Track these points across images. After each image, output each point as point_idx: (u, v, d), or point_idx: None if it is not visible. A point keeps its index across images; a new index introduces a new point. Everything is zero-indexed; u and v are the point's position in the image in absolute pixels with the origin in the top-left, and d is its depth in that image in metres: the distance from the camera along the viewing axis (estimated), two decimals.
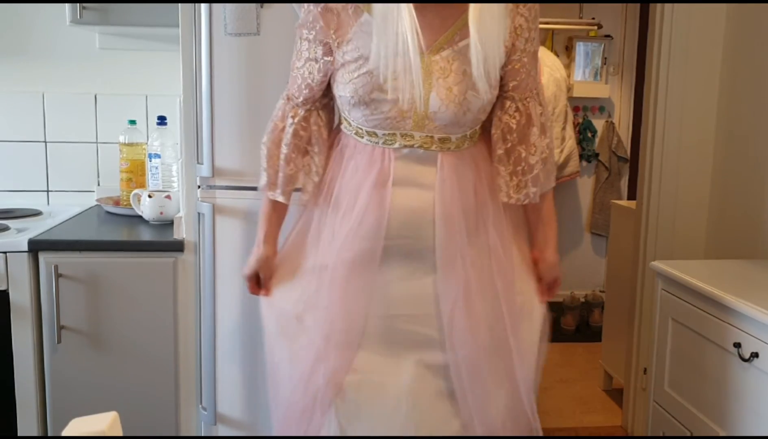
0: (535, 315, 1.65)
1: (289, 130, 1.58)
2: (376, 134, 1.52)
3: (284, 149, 1.58)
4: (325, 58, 1.51)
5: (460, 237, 1.53)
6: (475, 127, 1.56)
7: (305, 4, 1.51)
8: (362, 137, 1.54)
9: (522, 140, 1.59)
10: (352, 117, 1.54)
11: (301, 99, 1.57)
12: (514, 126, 1.58)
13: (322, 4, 1.48)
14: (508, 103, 1.58)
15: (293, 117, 1.58)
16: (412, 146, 1.51)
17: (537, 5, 1.53)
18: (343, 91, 1.50)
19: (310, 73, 1.54)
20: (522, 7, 1.50)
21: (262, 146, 1.61)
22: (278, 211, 1.64)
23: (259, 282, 1.66)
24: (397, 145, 1.51)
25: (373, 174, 1.53)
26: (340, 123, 1.62)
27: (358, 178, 1.54)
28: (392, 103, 1.46)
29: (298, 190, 1.62)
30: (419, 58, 1.43)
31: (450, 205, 1.52)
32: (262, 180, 1.61)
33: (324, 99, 1.60)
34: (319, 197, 1.61)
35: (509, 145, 1.59)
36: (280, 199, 1.60)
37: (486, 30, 1.43)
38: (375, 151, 1.53)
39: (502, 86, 1.56)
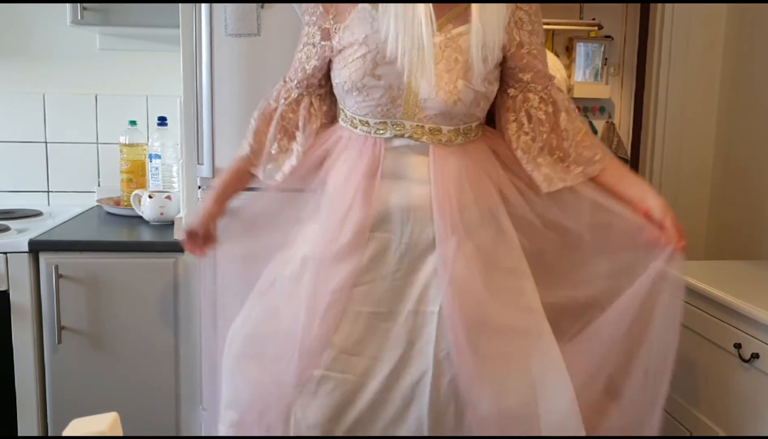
0: (544, 338, 1.57)
1: (279, 110, 1.60)
2: (368, 123, 1.53)
3: (272, 128, 1.61)
4: (323, 43, 1.54)
5: (457, 234, 1.51)
6: (469, 122, 1.53)
7: None
8: (356, 128, 1.55)
9: (553, 129, 1.58)
10: (347, 106, 1.55)
11: (295, 82, 1.59)
12: (544, 117, 1.57)
13: None
14: (531, 95, 1.57)
15: (285, 98, 1.60)
16: (402, 136, 1.51)
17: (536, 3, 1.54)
18: (338, 77, 1.52)
19: (307, 57, 1.57)
20: (522, 5, 1.52)
21: (251, 120, 1.63)
22: (243, 181, 1.66)
23: (198, 241, 1.64)
24: (387, 134, 1.52)
25: (363, 164, 1.53)
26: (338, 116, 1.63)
27: (347, 168, 1.55)
28: (383, 89, 1.48)
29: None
30: (430, 39, 1.44)
31: (445, 203, 1.50)
32: (243, 151, 1.63)
33: (320, 89, 1.61)
34: (304, 183, 1.61)
35: (545, 136, 1.58)
36: (259, 175, 1.63)
37: (486, 15, 1.45)
38: (367, 141, 1.54)
39: (520, 81, 1.56)
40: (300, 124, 1.62)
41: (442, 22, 1.48)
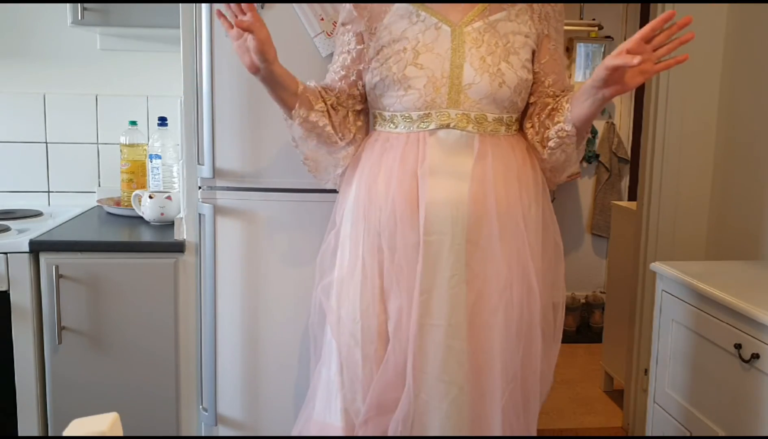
0: (557, 343, 1.65)
1: (313, 90, 1.60)
2: (411, 118, 1.53)
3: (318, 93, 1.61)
4: (358, 47, 1.59)
5: (496, 236, 1.50)
6: (512, 112, 1.55)
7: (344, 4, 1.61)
8: (397, 126, 1.55)
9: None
10: (386, 105, 1.56)
11: (329, 84, 1.63)
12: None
13: None
14: (557, 99, 1.57)
15: (321, 92, 1.61)
16: (447, 126, 1.50)
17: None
18: (377, 75, 1.54)
19: (342, 64, 1.62)
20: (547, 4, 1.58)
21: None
22: (290, 84, 1.53)
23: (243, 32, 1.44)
24: (432, 125, 1.51)
25: (408, 162, 1.51)
26: (373, 129, 1.65)
27: (392, 168, 1.53)
28: (426, 78, 1.49)
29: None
30: (449, 27, 1.50)
31: (483, 202, 1.49)
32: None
33: (357, 103, 1.65)
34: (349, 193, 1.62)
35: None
36: (294, 105, 1.55)
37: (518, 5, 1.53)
38: (410, 138, 1.52)
39: (542, 84, 1.58)
40: (335, 125, 1.62)
41: (480, 8, 1.52)
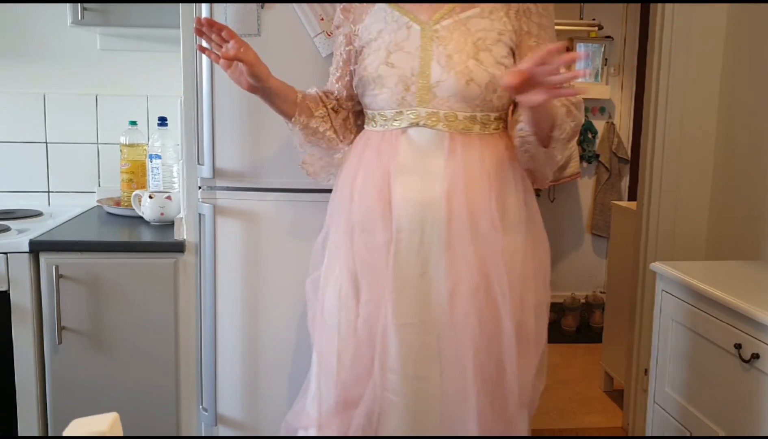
0: (539, 346, 1.59)
1: (310, 95, 1.67)
2: (385, 116, 1.54)
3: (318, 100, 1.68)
4: (347, 48, 1.63)
5: (467, 236, 1.48)
6: (487, 111, 1.51)
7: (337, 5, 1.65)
8: (377, 124, 1.57)
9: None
10: (367, 104, 1.59)
11: (329, 87, 1.70)
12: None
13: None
14: None
15: (320, 96, 1.68)
16: (417, 124, 1.50)
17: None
18: (357, 75, 1.58)
19: (336, 66, 1.68)
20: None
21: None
22: (287, 96, 1.61)
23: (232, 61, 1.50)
24: (404, 124, 1.52)
25: (382, 160, 1.53)
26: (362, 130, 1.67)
27: (367, 168, 1.56)
28: (397, 77, 1.50)
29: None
30: (418, 26, 1.50)
31: (452, 202, 1.48)
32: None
33: (357, 104, 1.69)
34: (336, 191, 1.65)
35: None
36: (293, 112, 1.62)
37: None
38: (384, 136, 1.54)
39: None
40: (336, 128, 1.67)
41: (450, 6, 1.51)
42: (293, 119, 1.62)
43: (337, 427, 1.56)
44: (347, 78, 1.66)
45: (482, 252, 1.49)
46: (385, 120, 1.55)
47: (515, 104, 1.59)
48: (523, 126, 1.49)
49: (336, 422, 1.57)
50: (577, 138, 4.17)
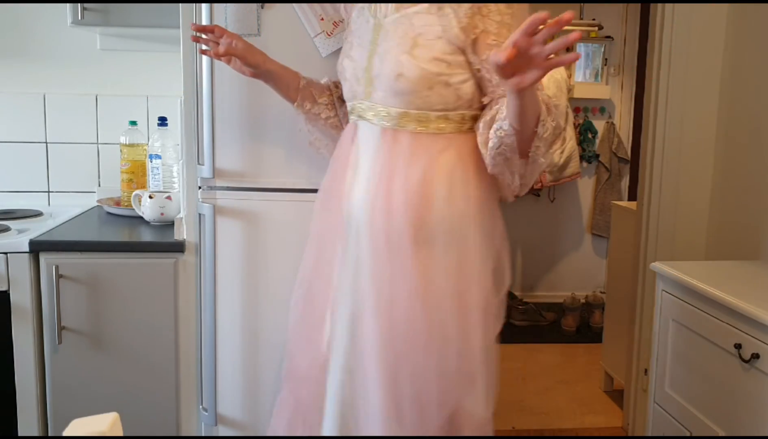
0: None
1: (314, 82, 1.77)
2: (346, 109, 1.62)
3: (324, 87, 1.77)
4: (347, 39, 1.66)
5: (374, 242, 1.48)
6: (425, 109, 1.44)
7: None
8: (350, 118, 1.62)
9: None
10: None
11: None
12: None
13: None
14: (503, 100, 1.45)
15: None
16: (360, 117, 1.54)
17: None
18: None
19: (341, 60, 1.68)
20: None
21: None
22: (290, 81, 1.72)
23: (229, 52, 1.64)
24: (353, 117, 1.57)
25: (342, 152, 1.59)
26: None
27: (335, 157, 1.64)
28: (352, 69, 1.55)
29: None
30: (372, 20, 1.52)
31: (376, 202, 1.47)
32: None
33: None
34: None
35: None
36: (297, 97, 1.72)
37: None
38: (348, 129, 1.60)
39: (490, 82, 1.44)
40: (340, 115, 1.75)
41: (395, 6, 1.49)
42: (296, 104, 1.72)
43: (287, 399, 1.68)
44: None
45: (388, 263, 1.46)
46: (349, 112, 1.60)
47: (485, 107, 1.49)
48: (502, 124, 1.38)
49: (285, 396, 1.69)
50: (576, 138, 4.17)
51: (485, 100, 1.47)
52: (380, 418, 1.48)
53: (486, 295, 1.50)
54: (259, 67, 1.66)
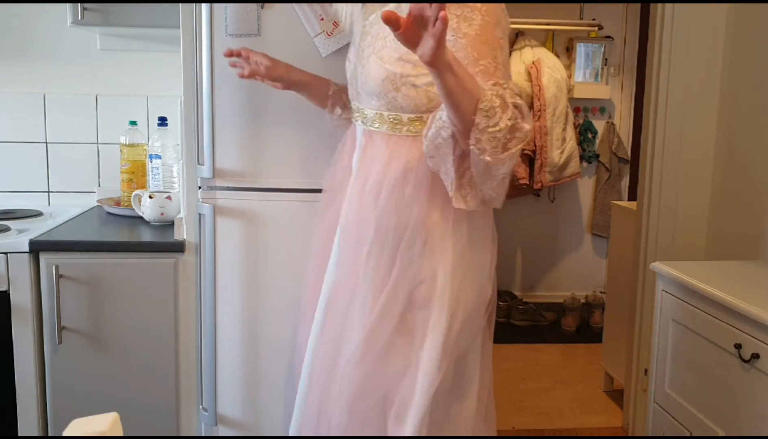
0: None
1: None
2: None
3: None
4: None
5: (352, 244, 1.50)
6: (396, 111, 1.42)
7: None
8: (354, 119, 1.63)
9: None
10: None
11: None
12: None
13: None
14: None
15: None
16: (357, 119, 1.56)
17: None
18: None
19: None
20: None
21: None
22: (319, 89, 1.76)
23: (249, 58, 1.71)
24: (353, 119, 1.60)
25: (345, 154, 1.61)
26: None
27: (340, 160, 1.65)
28: (350, 71, 1.57)
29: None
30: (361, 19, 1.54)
31: (354, 203, 1.51)
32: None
33: None
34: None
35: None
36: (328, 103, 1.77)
37: None
38: (351, 130, 1.62)
39: None
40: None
41: (376, 6, 1.48)
42: (327, 110, 1.76)
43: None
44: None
45: (360, 264, 1.45)
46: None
47: None
48: (441, 114, 1.31)
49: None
50: (576, 138, 4.17)
51: None
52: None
53: (460, 304, 1.43)
54: (282, 79, 1.70)
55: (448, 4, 1.29)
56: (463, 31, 1.32)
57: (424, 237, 1.41)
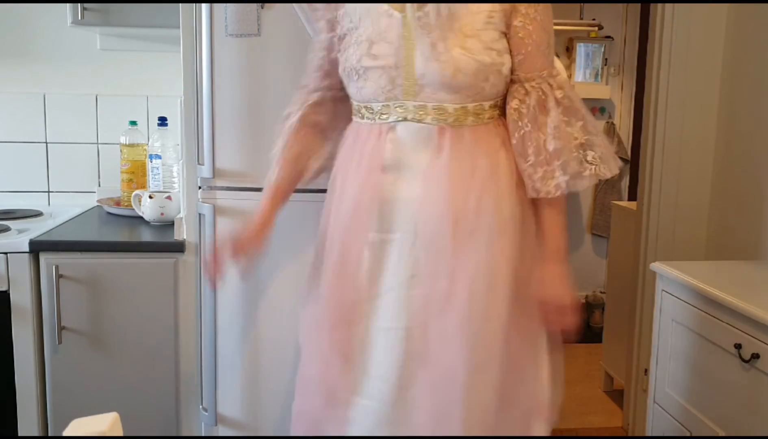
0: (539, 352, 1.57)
1: (299, 113, 1.60)
2: (372, 109, 1.46)
3: (293, 130, 1.62)
4: (329, 35, 1.54)
5: (445, 242, 1.40)
6: (480, 101, 1.42)
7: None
8: (363, 117, 1.49)
9: (537, 126, 1.43)
10: (352, 95, 1.52)
11: (312, 85, 1.60)
12: (525, 110, 1.43)
13: None
14: (515, 85, 1.45)
15: (303, 103, 1.61)
16: (405, 118, 1.42)
17: None
18: (341, 63, 1.50)
19: (319, 55, 1.57)
20: None
21: (280, 138, 1.65)
22: (288, 193, 1.66)
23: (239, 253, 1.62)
24: (391, 118, 1.43)
25: (371, 156, 1.45)
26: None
27: (353, 164, 1.48)
28: (381, 70, 1.41)
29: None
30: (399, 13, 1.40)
31: (438, 202, 1.40)
32: (276, 173, 1.64)
33: (340, 92, 1.58)
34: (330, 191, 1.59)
35: (523, 132, 1.44)
36: (276, 170, 1.62)
37: None
38: (373, 130, 1.46)
39: (514, 63, 1.43)
40: (324, 125, 1.61)
41: None
42: (310, 177, 1.67)
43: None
44: (327, 67, 1.57)
45: (466, 254, 1.41)
46: (371, 113, 1.46)
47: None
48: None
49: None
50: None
51: (519, 59, 1.44)
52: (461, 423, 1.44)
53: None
54: (266, 233, 1.64)
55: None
56: (536, 19, 1.42)
57: (519, 222, 1.47)
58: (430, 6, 1.37)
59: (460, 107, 1.40)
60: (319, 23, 1.57)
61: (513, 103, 1.45)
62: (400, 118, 1.43)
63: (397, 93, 1.42)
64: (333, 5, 1.52)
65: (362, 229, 1.46)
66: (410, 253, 1.43)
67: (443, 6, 1.37)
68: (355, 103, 1.52)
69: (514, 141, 1.45)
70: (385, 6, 1.41)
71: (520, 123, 1.44)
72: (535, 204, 1.50)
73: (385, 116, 1.44)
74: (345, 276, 1.48)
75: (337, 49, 1.52)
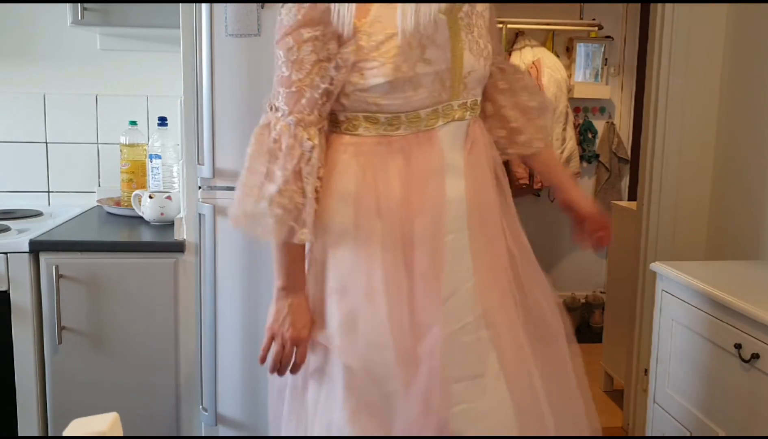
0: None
1: (315, 154, 1.34)
2: (419, 116, 1.37)
3: (311, 181, 1.35)
4: (343, 51, 1.33)
5: (496, 230, 1.50)
6: (483, 91, 1.52)
7: (289, 5, 1.40)
8: (398, 128, 1.37)
9: (516, 92, 1.59)
10: (384, 106, 1.35)
11: (315, 115, 1.35)
12: (506, 86, 1.58)
13: None
14: (494, 70, 1.56)
15: (311, 139, 1.34)
16: (453, 118, 1.40)
17: None
18: (376, 77, 1.32)
19: (323, 77, 1.33)
20: None
21: (274, 195, 1.36)
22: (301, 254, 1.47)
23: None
24: (440, 122, 1.39)
25: (421, 163, 1.37)
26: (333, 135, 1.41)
27: (407, 172, 1.37)
28: (434, 74, 1.35)
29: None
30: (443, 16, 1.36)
31: (478, 191, 1.44)
32: (282, 229, 1.38)
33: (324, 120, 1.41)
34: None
35: (510, 101, 1.58)
36: (309, 238, 1.39)
37: None
38: (409, 139, 1.37)
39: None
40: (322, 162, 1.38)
41: None
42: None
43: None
44: (332, 89, 1.35)
45: (495, 236, 1.51)
46: (417, 121, 1.37)
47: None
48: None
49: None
50: (576, 138, 4.17)
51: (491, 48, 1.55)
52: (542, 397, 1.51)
53: None
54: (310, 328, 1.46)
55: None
56: (491, 8, 1.52)
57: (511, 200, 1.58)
58: (467, 6, 1.43)
59: (478, 100, 1.49)
60: (316, 43, 1.35)
61: (491, 82, 1.56)
62: (449, 120, 1.41)
63: (446, 96, 1.39)
64: (348, 14, 1.33)
65: (429, 237, 1.38)
66: (465, 250, 1.42)
67: (472, 6, 1.45)
68: (384, 116, 1.37)
69: (509, 112, 1.58)
70: (432, 10, 1.34)
71: (502, 97, 1.59)
72: (532, 156, 1.65)
73: (432, 121, 1.39)
74: (421, 290, 1.38)
75: (351, 64, 1.34)
